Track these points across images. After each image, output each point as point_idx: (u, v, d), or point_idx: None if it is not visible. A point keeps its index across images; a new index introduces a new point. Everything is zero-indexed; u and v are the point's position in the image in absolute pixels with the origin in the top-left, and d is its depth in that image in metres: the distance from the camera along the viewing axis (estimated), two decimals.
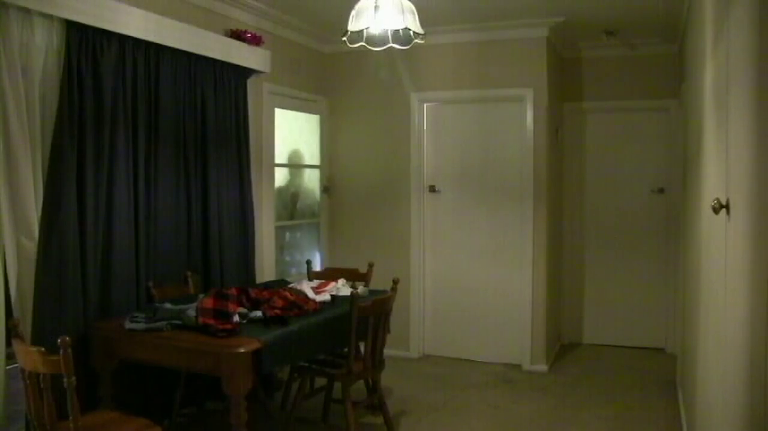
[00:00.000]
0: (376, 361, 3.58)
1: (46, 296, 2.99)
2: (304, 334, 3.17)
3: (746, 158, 1.54)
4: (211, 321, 2.98)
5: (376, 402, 3.78)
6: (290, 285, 3.94)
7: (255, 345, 2.85)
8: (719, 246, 2.05)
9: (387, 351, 3.96)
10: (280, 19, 4.73)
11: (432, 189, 5.36)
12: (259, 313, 3.22)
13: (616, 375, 4.95)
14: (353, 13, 3.11)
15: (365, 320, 3.42)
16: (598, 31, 5.13)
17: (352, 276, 4.34)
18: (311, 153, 5.49)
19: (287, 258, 5.29)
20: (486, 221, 5.20)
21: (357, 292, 3.50)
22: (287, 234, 5.31)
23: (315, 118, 5.48)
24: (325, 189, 5.47)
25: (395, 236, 5.37)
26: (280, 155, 5.10)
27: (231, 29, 4.23)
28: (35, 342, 2.88)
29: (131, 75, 3.45)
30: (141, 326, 3.02)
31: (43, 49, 3.00)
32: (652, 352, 5.57)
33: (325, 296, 3.69)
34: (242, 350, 2.80)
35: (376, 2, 3.01)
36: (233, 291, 3.32)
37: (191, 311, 3.06)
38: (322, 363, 3.63)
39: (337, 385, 3.65)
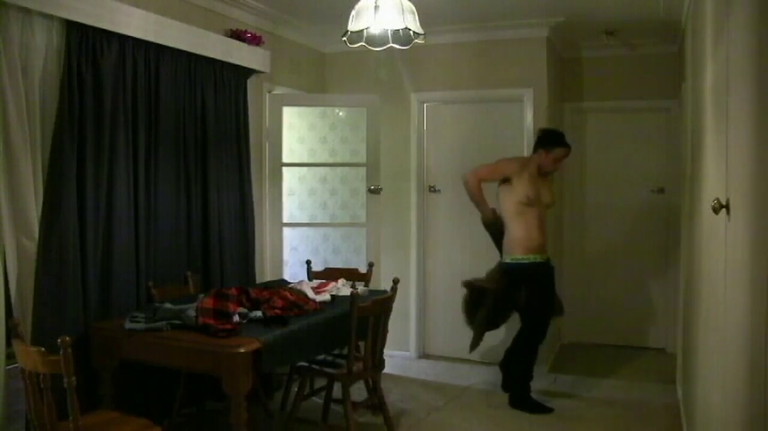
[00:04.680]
0: (376, 361, 3.58)
1: (46, 296, 2.99)
2: (304, 334, 3.17)
3: (746, 158, 1.54)
4: (211, 321, 2.98)
5: (376, 402, 3.78)
6: (290, 285, 3.94)
7: (255, 345, 2.85)
8: (719, 246, 2.05)
9: (387, 351, 3.96)
10: (280, 19, 4.73)
11: (432, 189, 5.35)
12: (259, 313, 3.22)
13: (616, 375, 4.95)
14: (353, 13, 3.11)
15: (365, 320, 3.42)
16: (598, 31, 5.13)
17: (352, 276, 4.34)
18: (353, 150, 5.20)
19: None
20: None
21: (357, 292, 3.50)
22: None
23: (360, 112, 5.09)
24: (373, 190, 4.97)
25: (395, 236, 5.37)
26: (300, 155, 5.11)
27: (231, 29, 4.23)
28: (35, 342, 2.88)
29: (131, 75, 3.45)
30: (141, 326, 3.02)
31: (43, 49, 3.00)
32: (652, 352, 5.56)
33: (325, 296, 3.69)
34: (242, 350, 2.80)
35: (376, 2, 3.01)
36: (233, 291, 3.32)
37: (191, 311, 3.06)
38: (322, 363, 3.63)
39: (337, 385, 3.65)
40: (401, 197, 5.37)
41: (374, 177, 4.95)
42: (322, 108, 5.23)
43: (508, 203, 4.24)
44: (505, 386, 4.41)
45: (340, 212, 5.22)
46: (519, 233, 4.20)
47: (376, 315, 3.47)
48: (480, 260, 5.21)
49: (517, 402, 4.22)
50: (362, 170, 5.01)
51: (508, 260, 4.25)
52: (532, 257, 4.20)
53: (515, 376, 4.28)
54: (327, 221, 5.22)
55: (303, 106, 5.15)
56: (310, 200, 5.23)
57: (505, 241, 4.29)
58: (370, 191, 4.92)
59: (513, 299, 4.24)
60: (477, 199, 4.35)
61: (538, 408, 4.16)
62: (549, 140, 4.31)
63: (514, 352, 4.31)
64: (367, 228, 5.00)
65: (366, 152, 4.98)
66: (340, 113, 5.26)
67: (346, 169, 5.21)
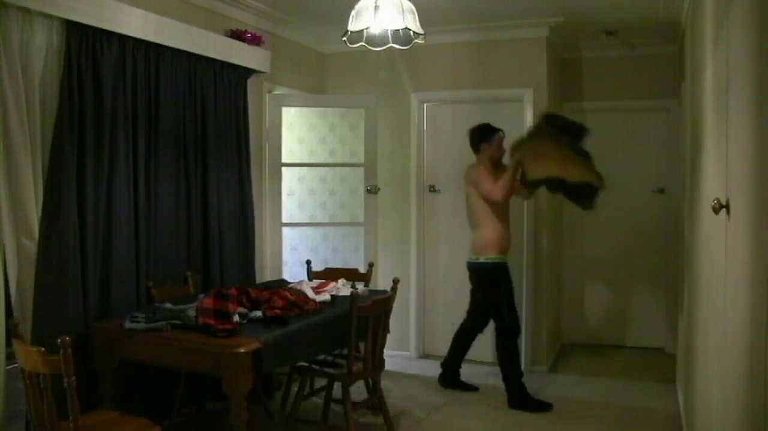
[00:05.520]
0: (376, 361, 3.58)
1: (46, 296, 2.99)
2: (304, 334, 3.17)
3: (746, 158, 1.55)
4: (211, 321, 2.98)
5: (376, 402, 3.78)
6: (290, 285, 3.94)
7: (255, 345, 2.85)
8: (719, 246, 2.05)
9: (387, 351, 3.96)
10: (280, 19, 4.73)
11: (432, 189, 5.35)
12: (259, 313, 3.22)
13: (616, 375, 4.95)
14: (353, 13, 3.11)
15: (365, 320, 3.42)
16: (598, 31, 5.13)
17: (352, 276, 4.34)
18: (352, 151, 5.27)
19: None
20: None
21: (357, 292, 3.50)
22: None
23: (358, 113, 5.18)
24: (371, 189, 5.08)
25: (395, 236, 5.37)
26: (300, 155, 5.15)
27: (231, 29, 4.23)
28: (35, 342, 2.88)
29: (131, 75, 3.44)
30: (141, 326, 3.02)
31: (43, 49, 3.00)
32: (652, 352, 5.56)
33: (325, 296, 3.69)
34: (242, 350, 2.80)
35: (376, 2, 3.01)
36: (233, 291, 3.32)
37: (191, 311, 3.06)
38: (322, 363, 3.64)
39: (337, 385, 3.65)
40: (401, 197, 5.37)
41: (372, 177, 5.06)
42: (321, 109, 5.26)
43: (483, 206, 4.33)
44: (446, 381, 4.59)
45: (339, 211, 5.27)
46: (492, 233, 4.32)
47: (376, 315, 3.47)
48: None
49: (516, 402, 4.23)
50: (361, 171, 5.10)
51: (482, 260, 4.34)
52: (502, 258, 4.36)
53: (507, 378, 4.30)
54: (326, 220, 5.26)
55: (302, 106, 5.16)
56: (310, 200, 5.25)
57: (477, 240, 4.38)
58: (367, 191, 5.03)
59: (492, 298, 4.36)
60: (512, 181, 4.27)
61: (538, 406, 4.18)
62: (483, 132, 4.44)
63: (500, 357, 4.35)
64: (365, 227, 5.09)
65: (364, 152, 5.08)
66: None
67: (346, 169, 5.26)
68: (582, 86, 5.75)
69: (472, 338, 4.58)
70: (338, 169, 5.26)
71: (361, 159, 5.08)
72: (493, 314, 4.37)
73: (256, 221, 4.47)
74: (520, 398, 4.23)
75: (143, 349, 3.04)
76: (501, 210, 4.36)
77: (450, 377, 4.61)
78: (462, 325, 4.61)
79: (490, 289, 4.35)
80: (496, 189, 4.26)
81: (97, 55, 3.22)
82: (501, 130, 4.48)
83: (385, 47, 3.28)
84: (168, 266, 3.74)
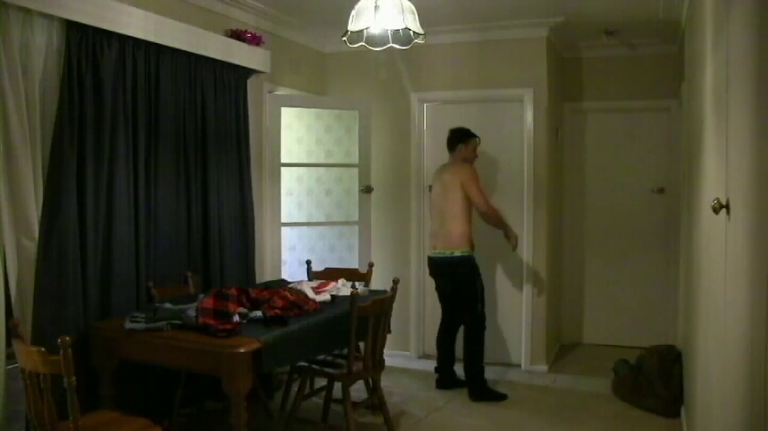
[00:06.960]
0: (376, 361, 3.58)
1: (46, 296, 2.99)
2: (304, 334, 3.17)
3: (746, 158, 1.55)
4: (211, 321, 2.98)
5: (376, 402, 3.78)
6: (290, 285, 3.94)
7: (255, 345, 2.85)
8: (719, 246, 2.05)
9: (387, 351, 3.96)
10: (280, 19, 4.73)
11: (432, 189, 5.34)
12: (259, 313, 3.22)
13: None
14: (353, 13, 3.11)
15: (365, 320, 3.42)
16: (598, 31, 5.13)
17: (352, 276, 4.35)
18: (347, 151, 5.35)
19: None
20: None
21: (357, 292, 3.50)
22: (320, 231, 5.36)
23: (351, 114, 5.27)
24: (366, 189, 5.21)
25: (395, 235, 5.37)
26: (299, 155, 5.19)
27: (231, 29, 4.23)
28: (35, 342, 2.88)
29: (131, 75, 3.45)
30: (141, 326, 3.02)
31: (43, 49, 3.00)
32: None
33: (325, 296, 3.69)
34: (242, 350, 2.80)
35: (376, 2, 3.01)
36: (233, 291, 3.32)
37: (191, 311, 3.06)
38: (322, 363, 3.64)
39: (337, 385, 3.65)
40: (401, 197, 5.37)
41: (366, 178, 5.16)
42: (318, 110, 5.28)
43: (463, 201, 4.46)
44: (444, 384, 4.62)
45: (335, 211, 5.32)
46: (466, 227, 4.47)
47: (376, 315, 3.47)
48: (479, 259, 5.22)
49: (479, 394, 4.37)
50: (356, 171, 5.19)
51: (458, 254, 4.45)
52: (473, 252, 4.51)
53: (475, 372, 4.42)
54: (323, 220, 5.31)
55: (300, 107, 5.17)
56: (308, 199, 5.27)
57: (451, 235, 4.47)
58: (361, 191, 5.13)
59: (469, 291, 4.46)
60: (503, 221, 4.63)
61: (498, 396, 4.39)
62: (463, 134, 4.64)
63: (470, 350, 4.45)
64: (360, 227, 5.18)
65: (358, 153, 5.18)
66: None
67: (342, 169, 5.32)
68: (582, 86, 5.75)
69: (455, 334, 4.63)
70: (334, 169, 5.31)
71: (357, 160, 5.15)
72: (470, 307, 4.45)
73: (255, 221, 4.47)
74: (483, 390, 4.39)
75: (143, 349, 3.04)
76: (471, 208, 4.53)
77: (446, 379, 4.62)
78: (441, 326, 4.68)
79: (469, 282, 4.44)
80: (486, 204, 4.51)
81: (97, 55, 3.22)
82: (478, 137, 4.67)
83: (385, 47, 3.28)
84: (168, 266, 3.74)
